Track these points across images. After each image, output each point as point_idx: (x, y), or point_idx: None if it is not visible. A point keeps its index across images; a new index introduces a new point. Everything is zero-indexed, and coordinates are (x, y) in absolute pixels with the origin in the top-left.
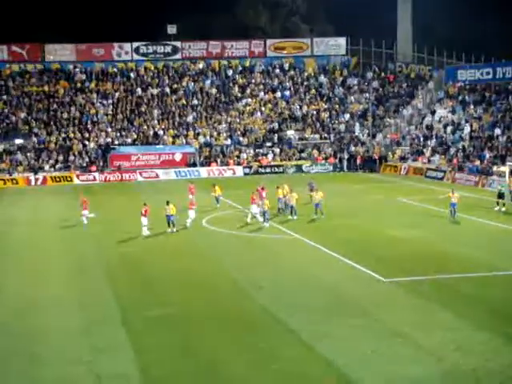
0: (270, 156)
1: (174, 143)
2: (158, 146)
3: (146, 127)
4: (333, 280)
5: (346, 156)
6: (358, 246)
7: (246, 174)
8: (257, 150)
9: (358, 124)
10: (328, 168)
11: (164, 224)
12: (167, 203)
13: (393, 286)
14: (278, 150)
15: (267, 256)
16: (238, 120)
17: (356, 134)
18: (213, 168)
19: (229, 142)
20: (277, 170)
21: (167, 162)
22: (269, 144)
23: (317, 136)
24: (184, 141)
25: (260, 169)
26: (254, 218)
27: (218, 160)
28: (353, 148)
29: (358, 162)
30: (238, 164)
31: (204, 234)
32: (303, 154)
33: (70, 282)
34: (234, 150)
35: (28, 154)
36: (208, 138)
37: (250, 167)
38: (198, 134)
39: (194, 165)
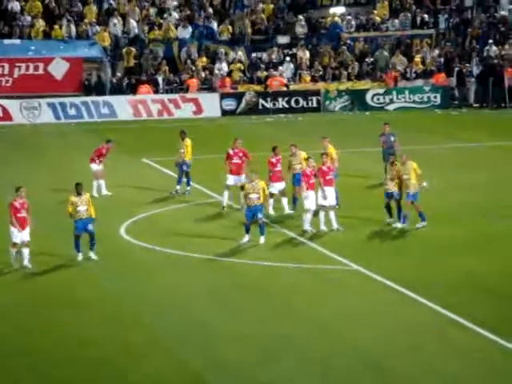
0: (289, 69)
1: (49, 36)
2: (6, 42)
3: None
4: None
5: (476, 69)
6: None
7: (227, 112)
8: (254, 55)
9: None
10: (430, 99)
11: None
12: (77, 190)
13: None
14: (305, 55)
15: (289, 316)
16: None
17: (503, 12)
18: (147, 98)
19: (187, 32)
20: (303, 102)
21: (32, 81)
22: (283, 39)
23: (401, 20)
24: (74, 30)
25: (262, 101)
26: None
27: (160, 78)
28: (492, 49)
29: (508, 83)
30: (210, 88)
31: (137, 266)
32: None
33: None
34: (197, 55)
35: None
36: (134, 22)
37: (241, 96)
38: (110, 11)
39: (101, 89)
